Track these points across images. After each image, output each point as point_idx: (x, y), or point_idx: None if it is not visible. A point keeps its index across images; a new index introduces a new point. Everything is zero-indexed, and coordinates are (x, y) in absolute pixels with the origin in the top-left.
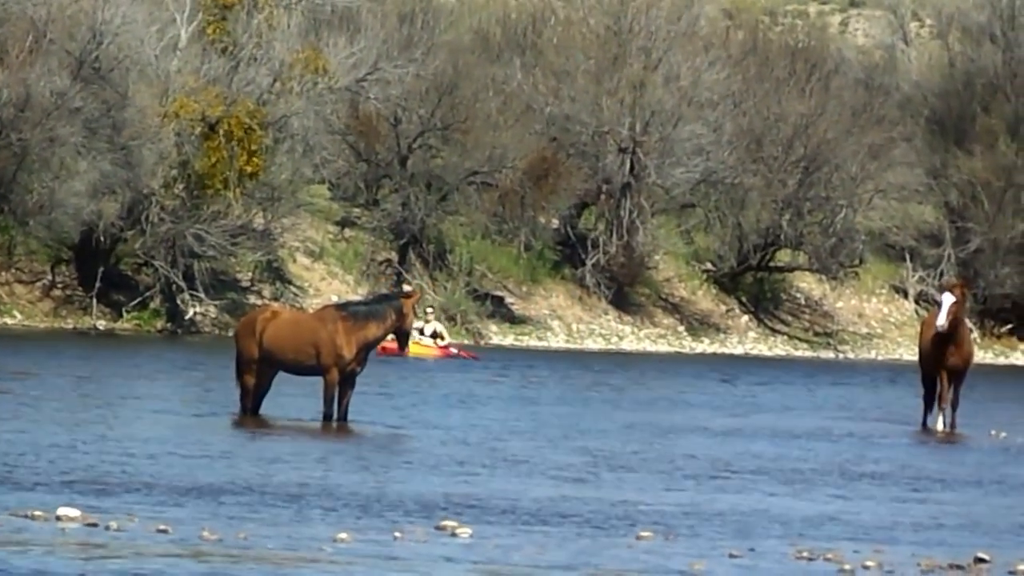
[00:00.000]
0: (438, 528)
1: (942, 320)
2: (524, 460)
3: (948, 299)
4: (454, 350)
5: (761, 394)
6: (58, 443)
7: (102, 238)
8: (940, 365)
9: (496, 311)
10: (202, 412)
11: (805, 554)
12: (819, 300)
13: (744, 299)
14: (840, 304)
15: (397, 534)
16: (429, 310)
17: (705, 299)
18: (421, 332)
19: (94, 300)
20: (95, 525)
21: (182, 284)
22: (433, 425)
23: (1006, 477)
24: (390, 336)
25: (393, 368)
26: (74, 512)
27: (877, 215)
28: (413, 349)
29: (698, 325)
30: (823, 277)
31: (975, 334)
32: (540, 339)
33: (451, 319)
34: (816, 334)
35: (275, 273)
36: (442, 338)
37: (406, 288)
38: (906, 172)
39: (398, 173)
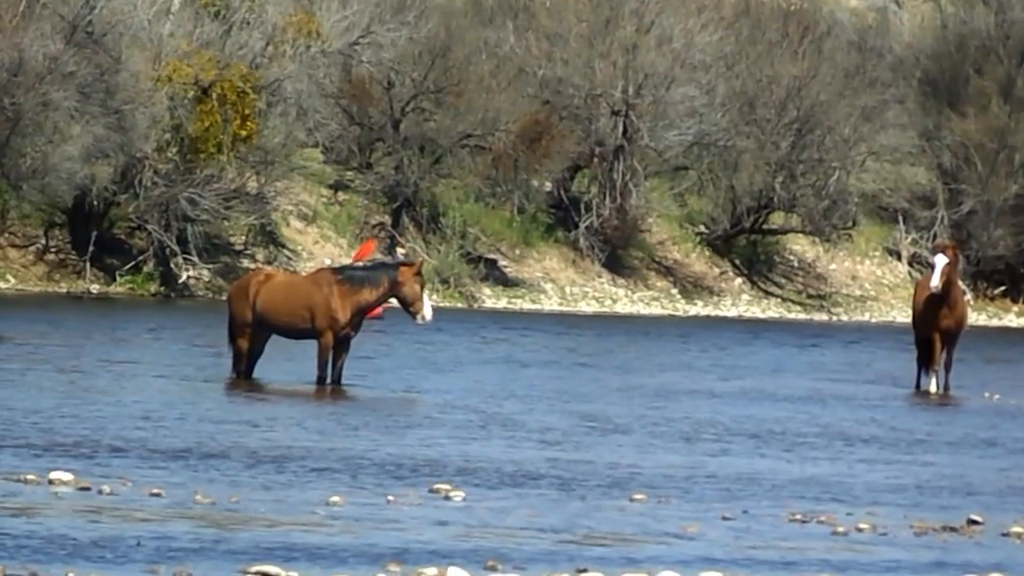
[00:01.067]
0: (431, 491)
1: (935, 281)
2: (517, 423)
3: (940, 260)
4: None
5: (753, 357)
6: (51, 407)
7: (95, 202)
8: (934, 327)
9: (489, 274)
10: (195, 376)
11: (798, 516)
12: (812, 262)
13: (737, 262)
14: (833, 266)
15: (390, 497)
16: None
17: (698, 262)
18: None
19: (87, 264)
20: (88, 489)
21: (175, 248)
22: (427, 389)
23: (999, 439)
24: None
25: (388, 332)
26: (67, 476)
27: (870, 177)
28: None
29: (691, 288)
30: (816, 239)
31: (968, 296)
32: (533, 302)
33: (444, 282)
34: (809, 296)
35: (268, 237)
36: None
37: (399, 251)
38: (899, 134)
39: (391, 136)
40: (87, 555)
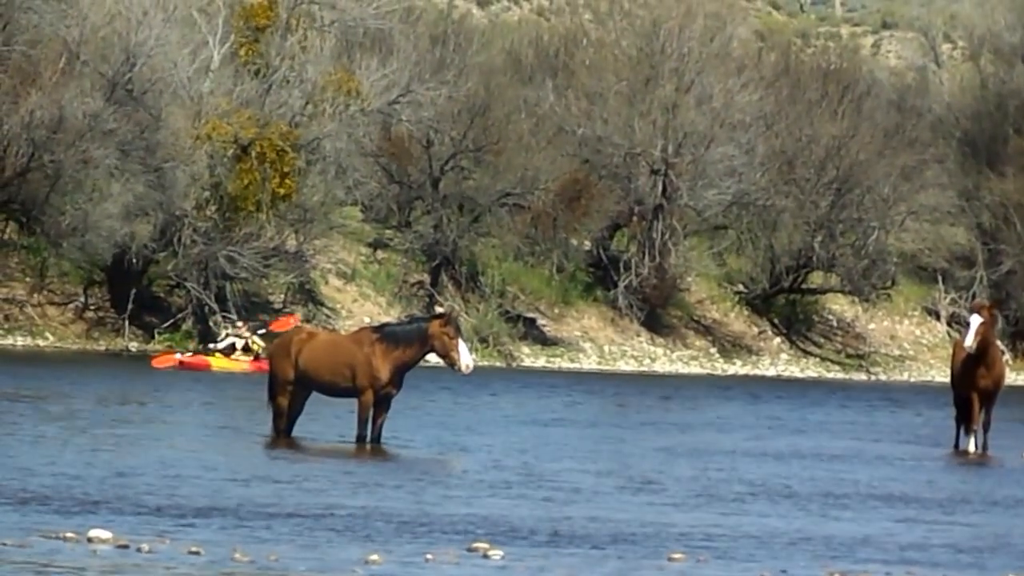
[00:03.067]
0: (470, 550)
1: (969, 341)
2: (555, 482)
3: (976, 320)
4: None
5: (793, 416)
6: (89, 464)
7: (135, 260)
8: (972, 387)
9: (528, 333)
10: (235, 434)
11: (837, 575)
12: (851, 322)
13: (776, 321)
14: (872, 326)
15: (429, 556)
16: (239, 324)
17: (737, 321)
18: (233, 348)
19: (126, 322)
20: (126, 547)
21: (214, 306)
22: (465, 447)
23: None
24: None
25: (426, 391)
26: (105, 534)
27: (909, 237)
28: (220, 364)
29: (730, 347)
30: (855, 299)
31: (1007, 356)
32: (572, 361)
33: (483, 341)
34: (848, 356)
35: (307, 295)
36: (254, 352)
37: (438, 310)
38: (938, 194)
39: (430, 195)
40: None
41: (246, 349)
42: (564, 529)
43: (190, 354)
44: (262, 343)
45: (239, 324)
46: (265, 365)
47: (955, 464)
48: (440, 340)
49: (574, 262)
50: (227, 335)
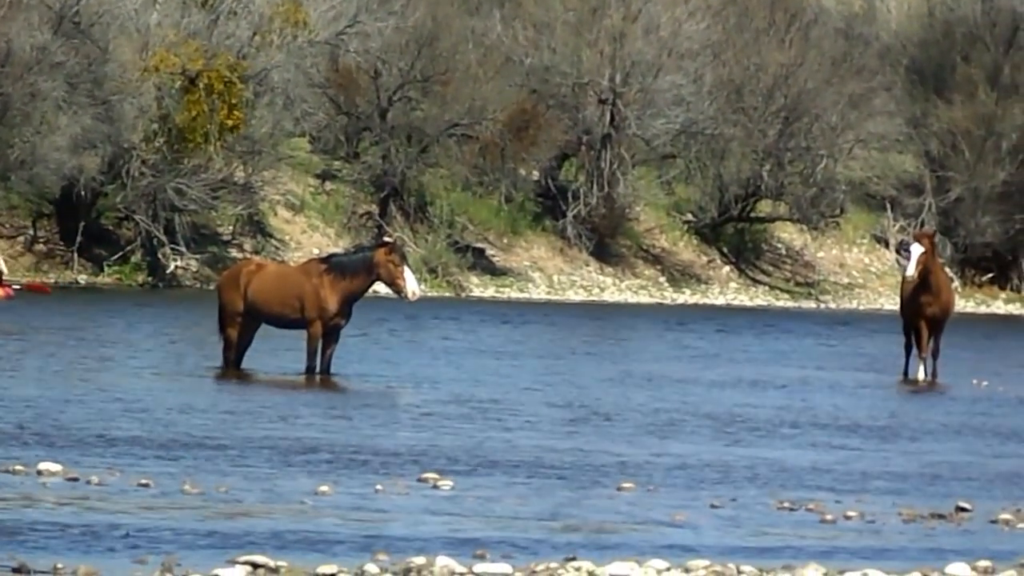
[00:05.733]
0: (420, 480)
1: (911, 271)
2: (505, 412)
3: (916, 249)
4: (16, 287)
5: (742, 345)
6: (38, 398)
7: (83, 192)
8: (919, 315)
9: (477, 263)
10: (184, 366)
11: (787, 504)
12: (800, 250)
13: (725, 250)
14: (821, 254)
15: (378, 486)
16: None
17: (686, 250)
18: None
19: (75, 254)
20: (76, 479)
21: (163, 238)
22: (414, 377)
23: (987, 426)
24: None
25: (373, 321)
26: (55, 467)
27: (858, 165)
28: None
29: (679, 276)
30: (804, 227)
31: (956, 283)
32: (521, 291)
33: (432, 271)
34: (797, 284)
35: (256, 227)
36: None
37: (386, 239)
38: (886, 122)
39: (378, 126)
40: (75, 545)
41: None
42: (514, 459)
43: None
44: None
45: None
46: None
47: (905, 392)
48: (386, 268)
49: (522, 192)
50: None
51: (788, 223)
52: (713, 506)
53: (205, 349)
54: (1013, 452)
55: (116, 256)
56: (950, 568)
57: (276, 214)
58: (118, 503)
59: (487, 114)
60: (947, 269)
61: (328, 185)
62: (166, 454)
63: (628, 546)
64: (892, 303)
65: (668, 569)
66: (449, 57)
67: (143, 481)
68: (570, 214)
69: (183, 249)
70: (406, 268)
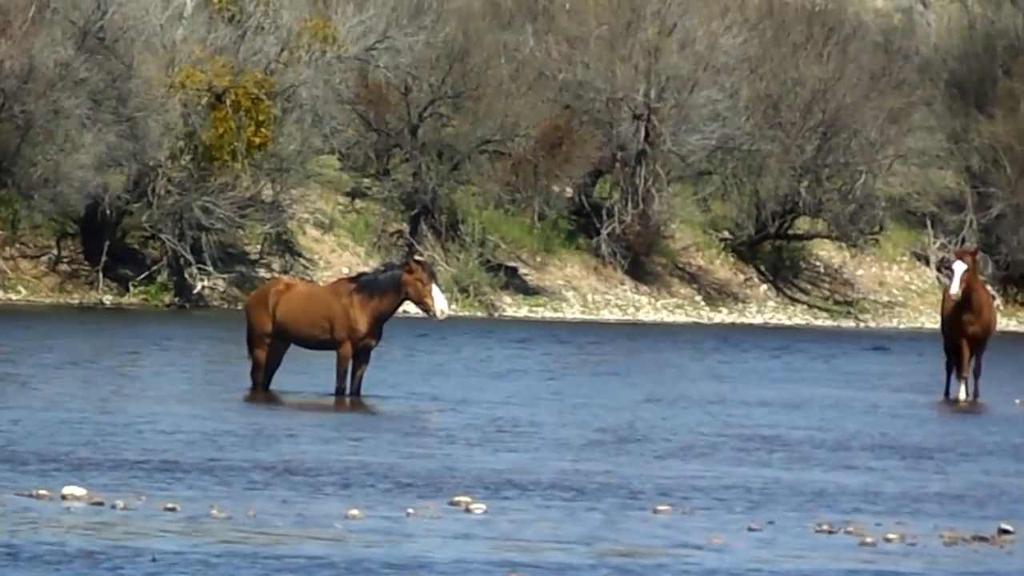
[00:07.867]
0: (451, 504)
1: (955, 288)
2: (538, 434)
3: (959, 267)
4: None
5: (780, 365)
6: (63, 421)
7: (108, 211)
8: (961, 333)
9: (510, 282)
10: (211, 388)
11: (825, 527)
12: (839, 268)
13: (762, 268)
14: (860, 272)
15: (410, 510)
16: None
17: (723, 268)
18: None
19: (100, 274)
20: (101, 504)
21: (190, 257)
22: (447, 399)
23: None
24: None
25: (404, 342)
26: (80, 491)
27: (897, 181)
28: None
29: (716, 294)
30: (843, 244)
31: (998, 301)
32: (555, 310)
33: (464, 291)
34: (836, 303)
35: (284, 245)
36: None
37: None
38: (926, 137)
39: (409, 142)
40: (101, 571)
41: None
42: (547, 482)
43: None
44: None
45: None
46: None
47: (946, 412)
48: (414, 287)
49: (556, 210)
50: None
51: (826, 240)
52: (750, 529)
53: (233, 370)
54: None
55: (142, 276)
56: None
57: (305, 233)
58: (144, 528)
59: (519, 130)
60: (989, 287)
61: (358, 203)
62: (193, 478)
63: (665, 569)
64: (933, 322)
65: None
66: (481, 72)
67: (169, 505)
68: (604, 232)
69: (210, 269)
70: (434, 287)
